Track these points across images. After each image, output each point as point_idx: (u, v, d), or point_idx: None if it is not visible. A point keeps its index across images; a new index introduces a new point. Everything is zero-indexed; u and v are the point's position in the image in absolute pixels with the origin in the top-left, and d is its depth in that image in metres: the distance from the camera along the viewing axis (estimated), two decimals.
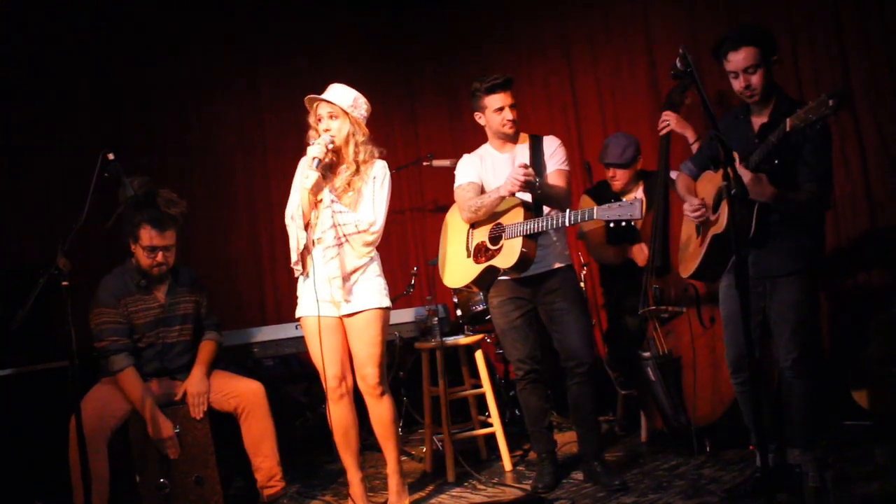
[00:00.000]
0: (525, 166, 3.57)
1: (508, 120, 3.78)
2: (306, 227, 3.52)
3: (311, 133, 3.59)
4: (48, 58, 5.22)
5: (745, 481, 3.37)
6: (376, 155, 3.60)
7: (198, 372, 3.86)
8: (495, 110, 3.77)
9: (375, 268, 3.60)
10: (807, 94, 4.44)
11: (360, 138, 3.54)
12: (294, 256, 3.55)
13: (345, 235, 3.47)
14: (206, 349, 3.97)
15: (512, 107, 3.78)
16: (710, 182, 3.43)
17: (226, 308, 5.00)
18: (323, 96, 3.52)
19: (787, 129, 2.92)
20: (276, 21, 6.18)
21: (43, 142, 5.17)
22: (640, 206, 3.28)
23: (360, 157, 3.53)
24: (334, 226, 3.46)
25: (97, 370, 3.84)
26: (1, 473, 3.90)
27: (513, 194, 3.62)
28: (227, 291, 5.65)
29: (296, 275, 3.61)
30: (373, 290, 3.55)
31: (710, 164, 3.46)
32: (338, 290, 3.48)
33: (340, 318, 3.57)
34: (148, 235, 3.76)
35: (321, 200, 3.49)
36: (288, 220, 3.57)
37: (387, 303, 3.60)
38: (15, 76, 5.10)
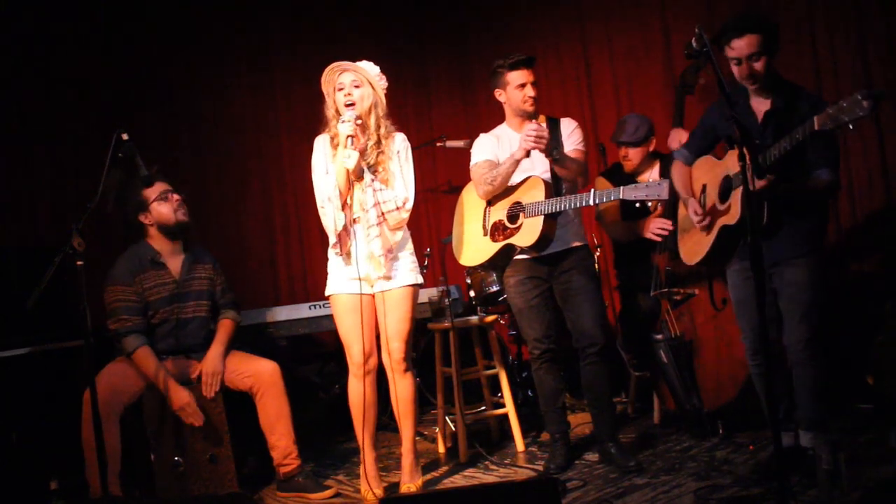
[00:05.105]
0: (536, 122, 3.59)
1: (530, 96, 3.80)
2: (343, 207, 3.52)
3: (329, 104, 3.58)
4: (63, 41, 5.23)
5: (757, 464, 3.37)
6: (393, 129, 3.63)
7: (215, 351, 3.87)
8: (517, 86, 3.79)
9: (410, 245, 3.67)
10: (825, 82, 4.41)
11: (381, 112, 3.57)
12: (333, 238, 3.56)
13: (383, 213, 3.49)
14: (224, 328, 3.98)
15: (533, 84, 3.81)
16: (711, 170, 3.39)
17: (239, 288, 5.00)
18: (350, 64, 3.53)
19: (816, 127, 2.83)
20: (291, 2, 6.16)
21: (58, 120, 5.18)
22: (667, 186, 3.32)
23: (381, 130, 3.56)
24: (377, 204, 3.47)
25: (112, 349, 3.85)
26: (17, 452, 3.94)
27: (528, 154, 3.62)
28: (240, 271, 5.65)
29: (335, 255, 3.60)
30: (409, 267, 3.62)
31: (706, 150, 3.44)
32: (381, 268, 3.51)
33: (372, 295, 3.61)
34: (154, 189, 3.83)
35: (361, 179, 3.49)
36: (323, 202, 3.53)
37: (420, 280, 3.68)
38: (31, 60, 5.11)
